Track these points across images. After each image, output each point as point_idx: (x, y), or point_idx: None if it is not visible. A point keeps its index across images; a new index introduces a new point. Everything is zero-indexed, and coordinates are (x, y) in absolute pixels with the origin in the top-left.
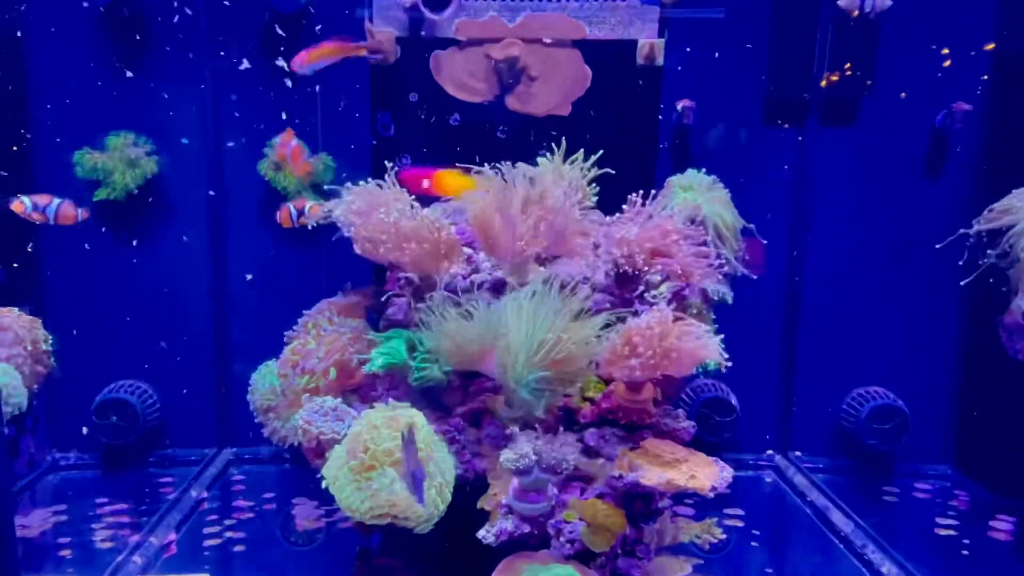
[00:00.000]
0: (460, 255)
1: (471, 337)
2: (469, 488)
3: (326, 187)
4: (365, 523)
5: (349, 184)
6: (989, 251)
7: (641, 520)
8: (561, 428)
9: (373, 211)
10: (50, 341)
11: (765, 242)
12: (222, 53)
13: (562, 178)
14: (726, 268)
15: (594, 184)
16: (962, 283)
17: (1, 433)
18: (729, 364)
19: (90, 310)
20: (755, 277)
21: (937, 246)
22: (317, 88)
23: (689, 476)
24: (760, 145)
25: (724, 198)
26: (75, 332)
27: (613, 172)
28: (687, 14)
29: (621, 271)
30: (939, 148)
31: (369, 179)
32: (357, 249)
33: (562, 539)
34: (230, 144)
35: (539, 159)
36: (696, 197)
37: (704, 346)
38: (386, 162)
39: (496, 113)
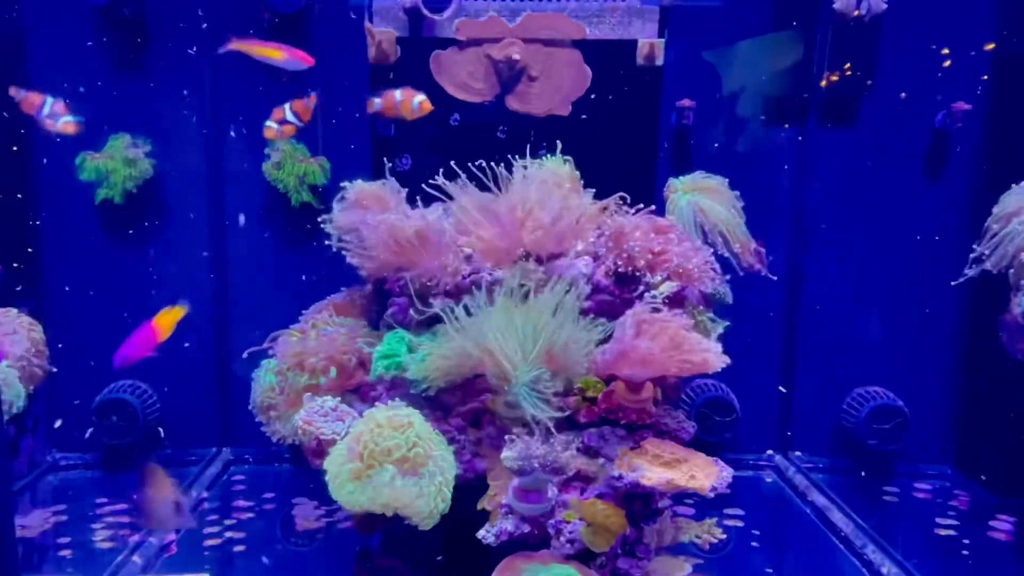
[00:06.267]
0: (460, 255)
1: (469, 341)
2: (469, 488)
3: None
4: (366, 519)
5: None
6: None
7: (641, 520)
8: (562, 428)
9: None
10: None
11: (759, 244)
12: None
13: (560, 179)
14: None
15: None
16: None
17: (1, 433)
18: (727, 362)
19: (90, 310)
20: (741, 274)
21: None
22: (317, 88)
23: (689, 476)
24: (760, 145)
25: (728, 197)
26: (75, 332)
27: (609, 167)
28: (685, 3)
29: (621, 271)
30: (939, 148)
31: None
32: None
33: (562, 539)
34: (230, 143)
35: (538, 160)
36: (699, 197)
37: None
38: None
39: (496, 113)
